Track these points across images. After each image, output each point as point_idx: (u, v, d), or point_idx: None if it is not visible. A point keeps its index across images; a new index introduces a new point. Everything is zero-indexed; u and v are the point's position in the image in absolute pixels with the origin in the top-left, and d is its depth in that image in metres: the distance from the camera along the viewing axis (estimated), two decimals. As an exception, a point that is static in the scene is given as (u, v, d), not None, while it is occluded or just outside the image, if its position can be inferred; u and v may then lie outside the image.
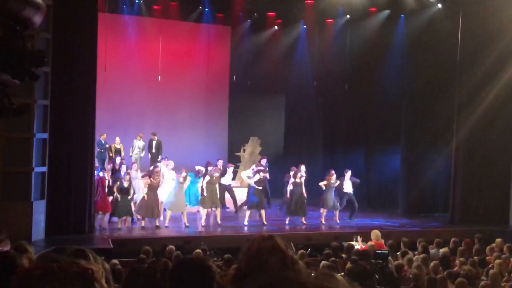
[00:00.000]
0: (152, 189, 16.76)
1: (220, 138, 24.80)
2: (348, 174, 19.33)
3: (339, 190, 18.95)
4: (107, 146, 21.12)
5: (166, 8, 22.70)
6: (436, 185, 21.04)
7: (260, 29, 24.41)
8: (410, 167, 21.12)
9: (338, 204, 18.77)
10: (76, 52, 15.75)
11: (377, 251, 11.36)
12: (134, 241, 15.07)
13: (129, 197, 16.66)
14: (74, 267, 1.81)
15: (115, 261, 10.52)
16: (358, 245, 14.00)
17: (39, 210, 14.93)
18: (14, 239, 5.51)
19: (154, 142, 21.66)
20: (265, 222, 17.81)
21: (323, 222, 18.42)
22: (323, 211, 18.46)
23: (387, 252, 11.74)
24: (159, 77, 22.74)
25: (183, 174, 17.28)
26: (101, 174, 17.05)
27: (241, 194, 20.05)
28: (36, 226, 14.77)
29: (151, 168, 18.56)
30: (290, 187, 18.41)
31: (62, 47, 15.34)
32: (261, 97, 24.75)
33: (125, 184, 16.55)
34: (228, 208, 19.93)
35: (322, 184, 18.49)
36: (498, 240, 13.89)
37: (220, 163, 19.49)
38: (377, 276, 6.43)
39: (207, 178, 17.62)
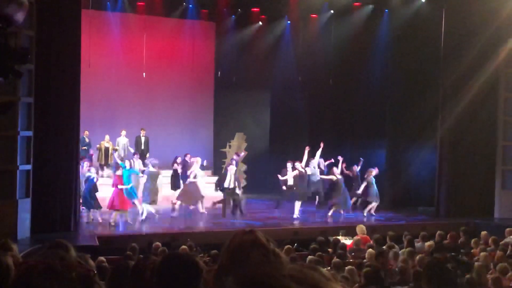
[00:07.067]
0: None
1: (205, 134, 24.76)
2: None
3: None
4: (86, 141, 20.97)
5: (150, 4, 22.61)
6: (421, 178, 21.10)
7: (245, 24, 24.39)
8: (395, 161, 21.22)
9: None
10: (60, 49, 15.67)
11: None
12: (121, 238, 15.02)
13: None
14: (77, 267, 1.80)
15: (102, 258, 10.48)
16: (346, 239, 14.07)
17: (24, 208, 14.83)
18: (-1, 237, 5.48)
19: (142, 138, 21.53)
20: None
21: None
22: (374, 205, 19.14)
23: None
24: (144, 73, 22.66)
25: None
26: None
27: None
28: (21, 224, 14.67)
29: None
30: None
31: (45, 44, 15.27)
32: (246, 92, 24.75)
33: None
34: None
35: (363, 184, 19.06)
36: (483, 233, 13.98)
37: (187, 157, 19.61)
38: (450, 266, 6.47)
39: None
